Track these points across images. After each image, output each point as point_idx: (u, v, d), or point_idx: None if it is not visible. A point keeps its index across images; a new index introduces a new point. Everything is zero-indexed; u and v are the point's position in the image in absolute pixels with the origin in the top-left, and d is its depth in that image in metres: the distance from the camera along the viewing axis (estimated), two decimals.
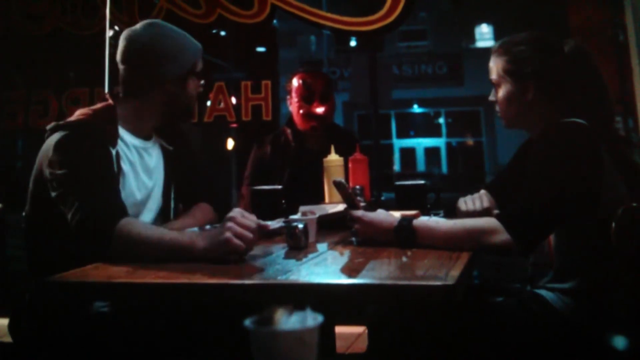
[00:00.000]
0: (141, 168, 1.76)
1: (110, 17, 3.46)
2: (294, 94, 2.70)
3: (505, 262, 1.84)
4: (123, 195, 1.61)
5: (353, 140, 2.67)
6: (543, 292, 1.56)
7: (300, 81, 2.70)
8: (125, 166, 1.69)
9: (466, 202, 1.81)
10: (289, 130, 2.74)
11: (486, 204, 1.80)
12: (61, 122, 1.62)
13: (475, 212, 1.77)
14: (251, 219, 1.39)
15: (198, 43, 1.81)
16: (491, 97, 1.74)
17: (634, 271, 1.51)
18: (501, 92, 1.68)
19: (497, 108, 1.72)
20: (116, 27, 3.46)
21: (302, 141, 2.72)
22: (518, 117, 1.69)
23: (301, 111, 2.67)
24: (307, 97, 2.66)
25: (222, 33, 3.75)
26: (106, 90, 3.37)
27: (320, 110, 2.65)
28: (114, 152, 1.63)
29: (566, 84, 1.62)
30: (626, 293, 1.50)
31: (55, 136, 1.58)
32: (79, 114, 1.65)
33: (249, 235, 1.36)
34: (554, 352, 1.46)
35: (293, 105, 2.71)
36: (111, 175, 1.58)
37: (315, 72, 2.83)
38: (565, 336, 1.47)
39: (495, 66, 1.70)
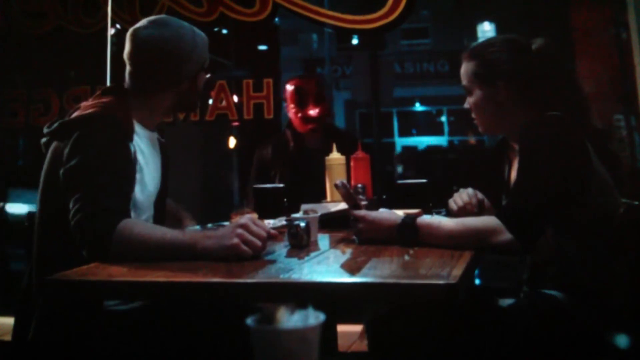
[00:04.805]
0: (153, 159, 1.76)
1: (112, 15, 3.45)
2: (289, 100, 2.87)
3: (504, 261, 1.83)
4: (140, 188, 1.62)
5: (352, 139, 2.74)
6: (545, 291, 1.56)
7: (292, 87, 2.86)
8: (141, 159, 1.68)
9: (455, 201, 1.79)
10: (289, 132, 2.89)
11: (472, 193, 1.78)
12: (79, 116, 1.58)
13: (466, 206, 1.76)
14: (262, 228, 1.38)
15: (204, 35, 1.80)
16: (465, 105, 1.74)
17: (636, 269, 1.51)
18: (473, 98, 1.69)
19: (473, 115, 1.72)
20: (117, 25, 3.45)
21: (301, 141, 2.85)
22: (493, 120, 1.69)
23: (298, 115, 2.82)
24: (301, 101, 2.82)
25: (224, 31, 3.75)
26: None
27: (314, 112, 2.80)
28: (131, 146, 1.60)
29: (536, 82, 1.62)
30: (628, 292, 1.49)
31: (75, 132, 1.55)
32: (90, 105, 1.62)
33: (258, 243, 1.35)
34: (557, 351, 1.46)
35: (290, 110, 2.88)
36: (123, 172, 1.55)
37: (306, 75, 3.00)
38: (568, 335, 1.47)
39: (465, 72, 1.70)
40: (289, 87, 2.88)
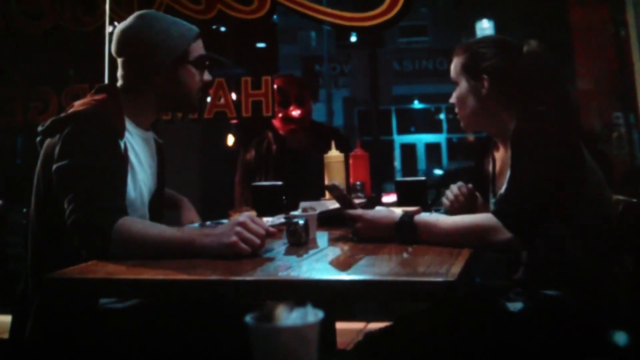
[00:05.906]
0: (146, 158, 1.75)
1: (110, 14, 3.44)
2: None
3: (503, 259, 1.84)
4: (132, 186, 1.60)
5: (337, 135, 2.77)
6: (545, 292, 1.55)
7: (275, 87, 2.88)
8: (133, 157, 1.66)
9: (447, 197, 1.82)
10: (270, 134, 2.90)
11: (460, 184, 1.81)
12: (70, 113, 1.58)
13: (457, 199, 1.78)
14: (261, 225, 1.38)
15: (193, 29, 1.75)
16: (451, 99, 1.75)
17: (636, 267, 1.51)
18: (458, 90, 1.71)
19: (456, 109, 1.74)
20: (116, 23, 3.44)
21: (283, 142, 2.87)
22: (474, 115, 1.70)
23: (280, 115, 2.85)
24: (283, 101, 2.85)
25: (222, 29, 3.74)
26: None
27: (296, 113, 2.82)
28: (122, 143, 1.59)
29: (521, 84, 1.62)
30: (630, 290, 1.49)
31: (65, 129, 1.54)
32: (82, 103, 1.61)
33: (257, 241, 1.36)
34: (561, 351, 1.45)
35: None
36: (116, 170, 1.54)
37: (289, 77, 3.02)
38: (571, 335, 1.46)
39: (455, 65, 1.72)
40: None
